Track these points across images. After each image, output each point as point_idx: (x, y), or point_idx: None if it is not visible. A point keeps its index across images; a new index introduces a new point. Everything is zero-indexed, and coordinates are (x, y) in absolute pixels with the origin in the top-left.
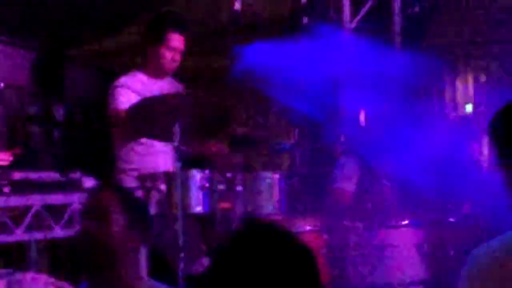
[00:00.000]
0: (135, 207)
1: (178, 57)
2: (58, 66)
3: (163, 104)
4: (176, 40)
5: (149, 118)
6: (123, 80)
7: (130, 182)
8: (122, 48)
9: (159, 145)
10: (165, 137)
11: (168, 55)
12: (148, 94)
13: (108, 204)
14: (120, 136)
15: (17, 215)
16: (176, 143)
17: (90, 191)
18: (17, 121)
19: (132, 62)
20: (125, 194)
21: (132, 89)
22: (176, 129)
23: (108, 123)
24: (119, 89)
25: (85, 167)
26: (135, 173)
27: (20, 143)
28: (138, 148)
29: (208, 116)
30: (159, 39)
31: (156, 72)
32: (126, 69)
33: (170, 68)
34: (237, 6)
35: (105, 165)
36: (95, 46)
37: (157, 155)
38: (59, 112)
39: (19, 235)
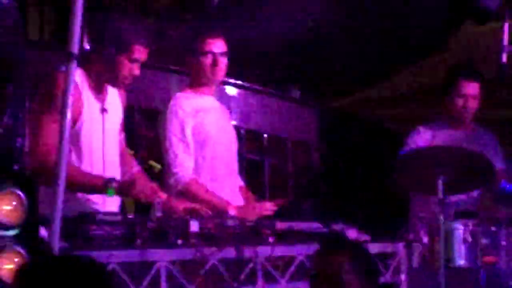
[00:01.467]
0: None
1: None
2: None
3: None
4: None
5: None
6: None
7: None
8: (393, 98)
9: None
10: (427, 189)
11: (460, 102)
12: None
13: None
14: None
15: (281, 264)
16: (440, 196)
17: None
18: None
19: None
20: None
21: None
22: (440, 182)
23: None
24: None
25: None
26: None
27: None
28: None
29: (470, 168)
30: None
31: (451, 121)
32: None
33: (467, 116)
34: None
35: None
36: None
37: None
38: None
39: (283, 285)
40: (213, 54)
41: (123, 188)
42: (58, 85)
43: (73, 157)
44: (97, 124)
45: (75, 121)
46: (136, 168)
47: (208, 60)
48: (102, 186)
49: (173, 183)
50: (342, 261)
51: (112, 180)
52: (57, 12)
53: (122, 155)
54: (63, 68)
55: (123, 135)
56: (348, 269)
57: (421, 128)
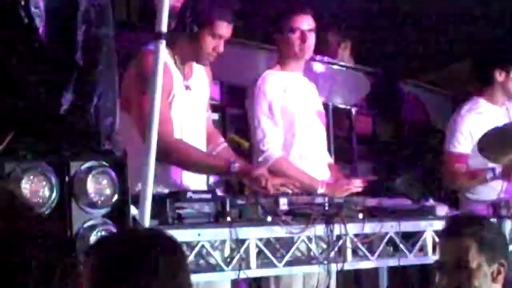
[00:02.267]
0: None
1: None
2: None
3: None
4: None
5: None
6: None
7: (481, 210)
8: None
9: None
10: None
11: None
12: None
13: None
14: None
15: (370, 241)
16: None
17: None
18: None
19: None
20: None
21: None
22: None
23: None
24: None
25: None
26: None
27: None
28: None
29: None
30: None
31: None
32: None
33: None
34: None
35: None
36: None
37: None
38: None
39: (373, 261)
40: (301, 30)
41: (243, 172)
42: (149, 65)
43: None
44: (181, 101)
45: (168, 96)
46: (222, 145)
47: (296, 36)
48: (224, 167)
49: (262, 161)
50: (469, 244)
51: (234, 162)
52: None
53: (208, 133)
54: (151, 47)
55: (210, 113)
56: (476, 251)
57: None
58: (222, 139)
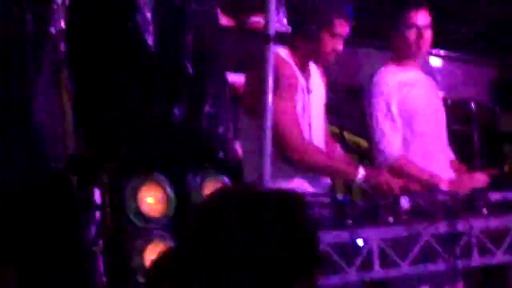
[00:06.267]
0: None
1: None
2: None
3: None
4: None
5: None
6: None
7: None
8: None
9: None
10: None
11: None
12: None
13: None
14: None
15: (496, 236)
16: None
17: None
18: (491, 141)
19: None
20: None
21: None
22: None
23: None
24: None
25: None
26: None
27: (496, 163)
28: None
29: None
30: None
31: None
32: None
33: None
34: None
35: None
36: None
37: None
38: None
39: (499, 257)
40: (418, 26)
41: (370, 175)
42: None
43: None
44: (304, 104)
45: (295, 98)
46: (338, 150)
47: (412, 33)
48: (351, 171)
49: (381, 160)
50: None
51: (359, 167)
52: None
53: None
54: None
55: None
56: None
57: None
58: (337, 144)
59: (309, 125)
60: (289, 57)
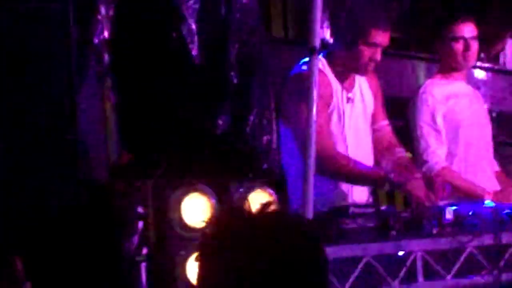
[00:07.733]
0: None
1: None
2: None
3: None
4: None
5: None
6: None
7: None
8: None
9: None
10: None
11: None
12: None
13: None
14: None
15: None
16: None
17: None
18: None
19: None
20: None
21: None
22: None
23: None
24: None
25: None
26: None
27: None
28: None
29: None
30: None
31: None
32: None
33: None
34: None
35: None
36: None
37: None
38: None
39: None
40: (465, 39)
41: (399, 183)
42: (304, 78)
43: None
44: (343, 114)
45: (327, 108)
46: (399, 154)
47: (459, 45)
48: (381, 179)
49: (426, 171)
50: None
51: (390, 173)
52: (300, 6)
53: (388, 142)
54: (307, 61)
55: (385, 123)
56: None
57: None
58: (400, 148)
59: (343, 134)
60: (325, 67)
